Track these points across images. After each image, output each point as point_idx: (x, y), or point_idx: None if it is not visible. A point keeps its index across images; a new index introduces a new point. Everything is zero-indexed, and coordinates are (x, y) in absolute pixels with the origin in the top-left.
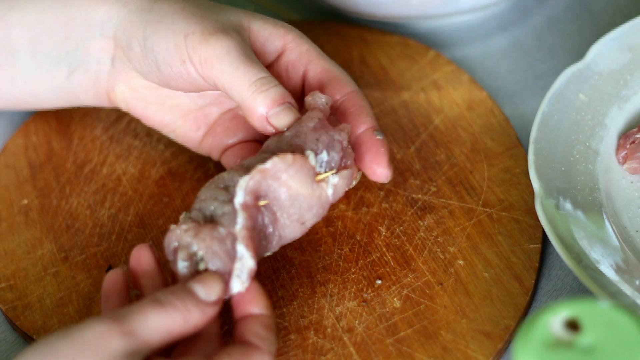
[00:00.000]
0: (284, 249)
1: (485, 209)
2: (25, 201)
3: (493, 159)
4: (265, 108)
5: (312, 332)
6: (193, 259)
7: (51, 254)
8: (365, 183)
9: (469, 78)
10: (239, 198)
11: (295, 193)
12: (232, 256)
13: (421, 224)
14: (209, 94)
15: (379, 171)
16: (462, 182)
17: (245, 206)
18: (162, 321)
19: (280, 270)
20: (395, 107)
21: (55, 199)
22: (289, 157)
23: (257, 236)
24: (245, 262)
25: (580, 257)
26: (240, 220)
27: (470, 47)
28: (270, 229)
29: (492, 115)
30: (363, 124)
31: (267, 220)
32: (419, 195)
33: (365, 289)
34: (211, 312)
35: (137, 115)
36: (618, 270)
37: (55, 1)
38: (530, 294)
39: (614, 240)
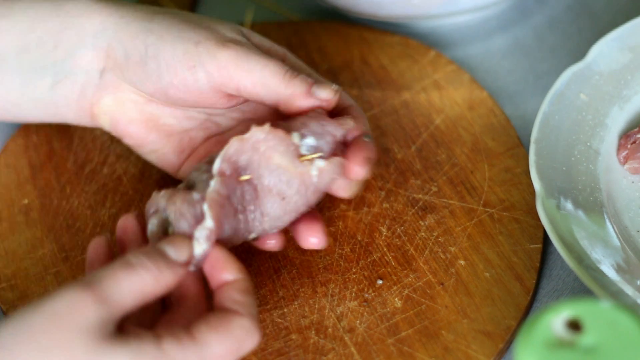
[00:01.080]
0: (285, 249)
1: (486, 209)
2: (26, 201)
3: (494, 159)
4: (307, 85)
5: (313, 332)
6: (163, 222)
7: (52, 254)
8: (365, 183)
9: (470, 78)
10: (216, 165)
11: (275, 165)
12: (200, 220)
13: (422, 223)
14: (196, 116)
15: (356, 169)
16: (463, 182)
17: (221, 172)
18: (134, 283)
19: (282, 270)
20: (396, 106)
21: (56, 198)
22: (266, 126)
23: (232, 207)
24: (206, 224)
25: (581, 257)
26: (213, 184)
27: (471, 47)
28: (252, 207)
29: (493, 115)
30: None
31: (248, 196)
32: (420, 195)
33: (366, 289)
34: (182, 272)
35: (120, 132)
36: (619, 270)
37: (50, 11)
38: (532, 294)
39: (615, 240)
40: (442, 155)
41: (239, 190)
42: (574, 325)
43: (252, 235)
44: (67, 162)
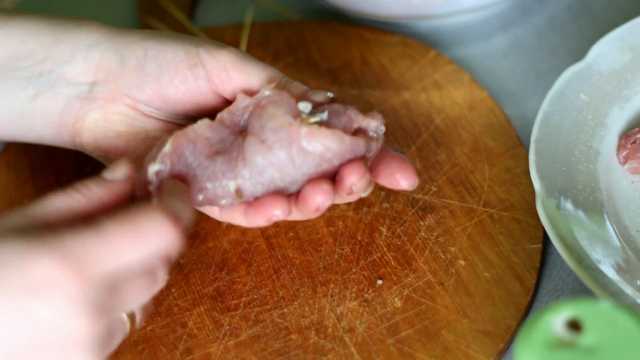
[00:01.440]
0: (285, 249)
1: (486, 209)
2: (26, 201)
3: (494, 159)
4: (303, 90)
5: (313, 332)
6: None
7: None
8: None
9: (470, 78)
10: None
11: (266, 113)
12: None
13: (422, 223)
14: None
15: (404, 182)
16: (463, 182)
17: (220, 120)
18: (64, 201)
19: (281, 270)
20: (396, 106)
21: None
22: (273, 86)
23: (211, 148)
24: (164, 149)
25: (581, 257)
26: (196, 123)
27: (471, 47)
28: (235, 152)
29: (493, 115)
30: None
31: (236, 143)
32: (420, 195)
33: (366, 289)
34: (114, 188)
35: (104, 147)
36: (619, 270)
37: (47, 25)
38: (532, 294)
39: (615, 240)
40: (442, 155)
41: (228, 140)
42: (574, 325)
43: (232, 184)
44: (67, 162)
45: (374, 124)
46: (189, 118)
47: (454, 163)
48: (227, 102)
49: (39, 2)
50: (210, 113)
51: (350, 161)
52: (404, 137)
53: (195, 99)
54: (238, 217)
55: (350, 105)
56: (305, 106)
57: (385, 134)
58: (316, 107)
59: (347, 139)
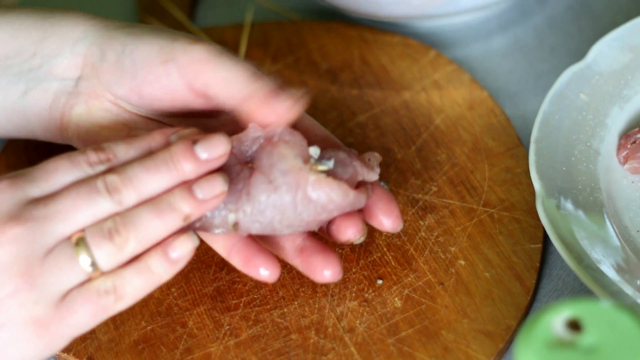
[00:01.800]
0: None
1: (486, 209)
2: None
3: (494, 159)
4: (276, 84)
5: (313, 332)
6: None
7: None
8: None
9: (470, 78)
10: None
11: (278, 152)
12: None
13: (422, 223)
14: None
15: (387, 223)
16: (463, 182)
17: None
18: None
19: (282, 269)
20: (396, 106)
21: None
22: (286, 126)
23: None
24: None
25: (581, 257)
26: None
27: (471, 47)
28: (241, 185)
29: (493, 115)
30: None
31: (242, 174)
32: (420, 195)
33: (366, 289)
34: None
35: (89, 142)
36: (619, 270)
37: (36, 21)
38: (532, 293)
39: (615, 240)
40: (442, 155)
41: (233, 169)
42: (574, 325)
43: (232, 217)
44: None
45: (375, 177)
46: (169, 115)
47: (454, 163)
48: (204, 97)
49: (39, 2)
50: (189, 110)
51: (348, 214)
52: (404, 137)
53: (171, 95)
54: (219, 247)
55: (353, 154)
56: (314, 151)
57: (385, 134)
58: (323, 151)
59: (352, 194)
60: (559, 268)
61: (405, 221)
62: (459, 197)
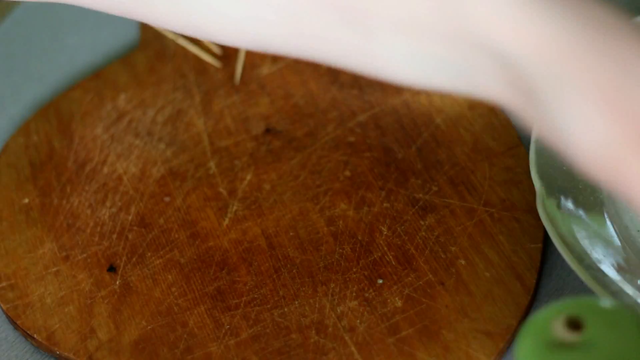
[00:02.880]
0: (286, 248)
1: (487, 209)
2: (26, 200)
3: (494, 159)
4: None
5: (313, 332)
6: None
7: (52, 253)
8: (366, 182)
9: None
10: None
11: None
12: None
13: (422, 223)
14: None
15: None
16: (463, 181)
17: None
18: None
19: (282, 269)
20: (397, 106)
21: (56, 198)
22: None
23: None
24: None
25: (581, 257)
26: None
27: None
28: None
29: (493, 115)
30: None
31: None
32: (420, 195)
33: (366, 289)
34: None
35: None
36: (619, 269)
37: None
38: (532, 293)
39: (616, 240)
40: (442, 155)
41: None
42: (574, 325)
43: None
44: (67, 162)
45: None
46: None
47: (455, 163)
48: None
49: (39, 4)
50: None
51: None
52: (404, 137)
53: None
54: None
55: None
56: None
57: (386, 133)
58: None
59: None
60: (560, 268)
61: (405, 221)
62: (460, 197)
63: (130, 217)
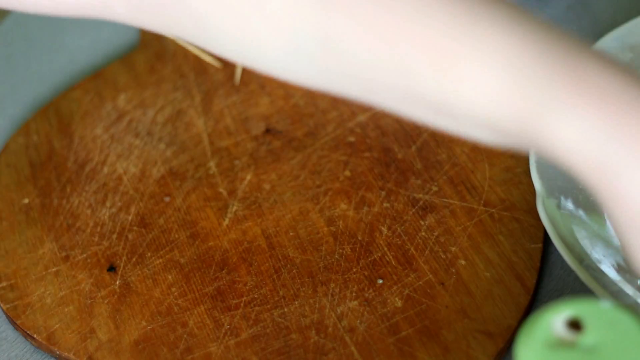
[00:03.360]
0: (286, 248)
1: (487, 209)
2: (26, 200)
3: (494, 159)
4: None
5: (313, 332)
6: None
7: (52, 253)
8: (366, 182)
9: None
10: None
11: None
12: None
13: (422, 223)
14: None
15: None
16: (463, 181)
17: None
18: None
19: (282, 269)
20: None
21: (56, 198)
22: None
23: None
24: None
25: (581, 257)
26: None
27: None
28: None
29: None
30: None
31: None
32: (420, 195)
33: (366, 289)
34: None
35: None
36: (619, 270)
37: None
38: (532, 293)
39: (616, 240)
40: (442, 155)
41: None
42: (574, 325)
43: None
44: (67, 162)
45: None
46: None
47: (455, 163)
48: None
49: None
50: None
51: None
52: (404, 137)
53: None
54: None
55: None
56: None
57: (386, 133)
58: None
59: None
60: (560, 268)
61: (405, 221)
62: (460, 197)
63: (130, 217)
